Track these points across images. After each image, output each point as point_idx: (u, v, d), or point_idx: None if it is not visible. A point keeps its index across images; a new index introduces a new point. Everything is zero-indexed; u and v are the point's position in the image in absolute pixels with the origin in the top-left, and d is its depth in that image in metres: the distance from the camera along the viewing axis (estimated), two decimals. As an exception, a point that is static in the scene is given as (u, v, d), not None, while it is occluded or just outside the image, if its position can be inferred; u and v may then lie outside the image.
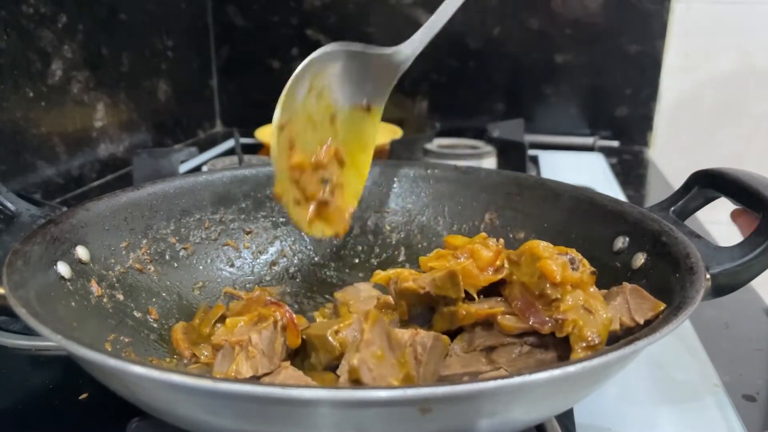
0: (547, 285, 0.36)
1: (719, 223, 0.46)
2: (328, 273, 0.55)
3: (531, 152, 1.00)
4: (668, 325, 0.30)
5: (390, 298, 0.43)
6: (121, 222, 0.46)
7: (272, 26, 1.17)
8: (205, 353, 0.43)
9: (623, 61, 1.09)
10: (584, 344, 0.34)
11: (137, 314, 0.44)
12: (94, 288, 0.41)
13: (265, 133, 1.04)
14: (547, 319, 0.36)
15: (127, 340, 0.41)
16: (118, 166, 0.92)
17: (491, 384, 0.26)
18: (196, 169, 0.90)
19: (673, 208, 0.45)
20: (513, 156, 0.90)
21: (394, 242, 0.56)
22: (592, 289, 0.37)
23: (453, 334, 0.39)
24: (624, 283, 0.38)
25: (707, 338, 0.50)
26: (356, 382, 0.30)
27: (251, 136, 1.04)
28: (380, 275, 0.43)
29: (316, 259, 0.56)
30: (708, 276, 0.36)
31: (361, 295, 0.48)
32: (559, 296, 0.35)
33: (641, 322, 0.36)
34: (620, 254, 0.44)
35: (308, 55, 0.45)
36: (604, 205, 0.47)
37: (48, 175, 0.78)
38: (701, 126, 1.11)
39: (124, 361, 0.27)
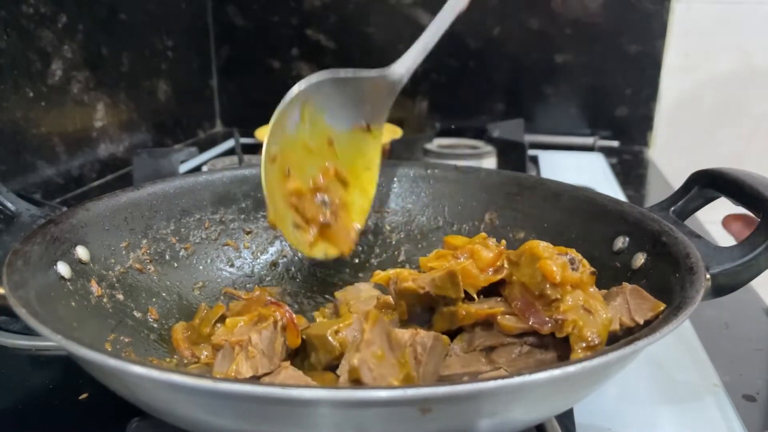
0: (547, 285, 0.36)
1: (719, 223, 0.46)
2: (328, 273, 0.55)
3: (531, 152, 1.00)
4: (668, 325, 0.30)
5: (390, 298, 0.43)
6: (121, 222, 0.46)
7: (272, 26, 1.17)
8: (205, 353, 0.43)
9: (623, 61, 1.09)
10: (584, 344, 0.34)
11: (137, 314, 0.44)
12: (94, 288, 0.41)
13: (264, 133, 1.03)
14: (546, 319, 0.36)
15: (127, 340, 0.41)
16: (118, 166, 0.92)
17: (491, 384, 0.26)
18: (196, 169, 0.90)
19: (673, 208, 0.45)
20: (513, 156, 0.90)
21: (394, 242, 0.56)
22: (592, 290, 0.37)
23: (453, 334, 0.39)
24: (624, 283, 0.38)
25: (707, 338, 0.50)
26: (356, 382, 0.30)
27: (251, 136, 1.04)
28: (380, 275, 0.43)
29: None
30: (708, 276, 0.36)
31: (361, 295, 0.48)
32: (559, 296, 0.35)
33: (641, 322, 0.36)
34: (620, 254, 0.44)
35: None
36: (604, 205, 0.47)
37: (48, 175, 0.78)
38: (701, 126, 1.11)
39: (124, 361, 0.27)
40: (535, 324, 0.36)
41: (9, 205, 0.42)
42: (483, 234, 0.43)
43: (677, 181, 0.49)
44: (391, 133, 1.02)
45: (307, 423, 0.27)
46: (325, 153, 0.50)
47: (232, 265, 0.53)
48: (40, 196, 0.76)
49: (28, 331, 0.48)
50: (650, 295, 0.37)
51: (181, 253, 0.50)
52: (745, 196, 0.41)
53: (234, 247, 0.53)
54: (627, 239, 0.44)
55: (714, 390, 0.44)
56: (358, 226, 0.52)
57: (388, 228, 0.57)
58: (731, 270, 0.37)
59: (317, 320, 0.48)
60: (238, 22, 1.18)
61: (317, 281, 0.54)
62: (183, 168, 0.84)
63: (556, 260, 0.36)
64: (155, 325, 0.44)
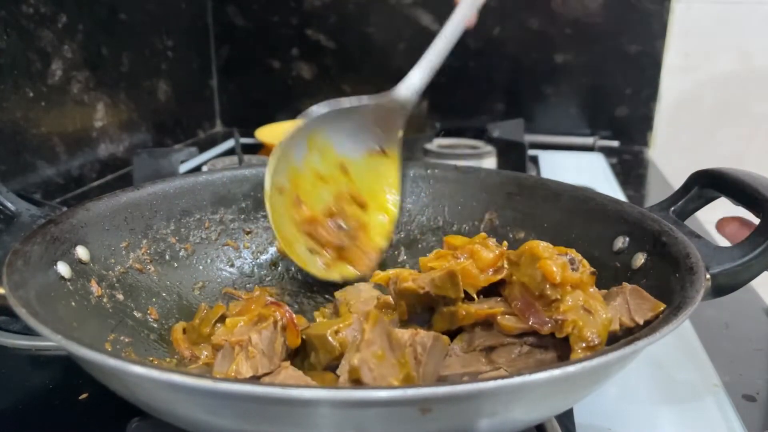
0: (547, 285, 0.36)
1: (719, 223, 0.47)
2: (328, 273, 0.55)
3: (531, 152, 1.00)
4: (668, 325, 0.30)
5: (390, 298, 0.43)
6: (121, 222, 0.46)
7: (272, 26, 1.16)
8: (205, 353, 0.43)
9: (623, 61, 1.09)
10: (584, 344, 0.34)
11: (137, 314, 0.44)
12: (94, 288, 0.41)
13: (264, 133, 1.04)
14: (546, 319, 0.36)
15: (127, 340, 0.41)
16: (118, 166, 0.92)
17: (491, 384, 0.26)
18: (196, 169, 0.90)
19: (673, 208, 0.45)
20: (513, 156, 0.90)
21: (394, 242, 0.56)
22: (591, 290, 0.37)
23: (453, 334, 0.39)
24: (624, 283, 0.38)
25: (707, 338, 0.50)
26: (356, 382, 0.30)
27: (251, 135, 1.04)
28: (380, 275, 0.43)
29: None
30: (708, 276, 0.36)
31: (361, 295, 0.48)
32: (558, 297, 0.35)
33: (641, 322, 0.36)
34: (620, 254, 0.44)
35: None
36: (604, 205, 0.47)
37: (48, 175, 0.78)
38: (701, 126, 1.11)
39: (124, 361, 0.27)
40: (535, 324, 0.36)
41: (9, 205, 0.42)
42: (483, 234, 0.43)
43: (677, 181, 0.49)
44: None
45: (307, 423, 0.27)
46: (339, 179, 0.50)
47: (232, 265, 0.53)
48: (40, 196, 0.76)
49: (28, 331, 0.48)
50: (650, 295, 0.37)
51: (181, 253, 0.50)
52: (745, 196, 0.41)
53: (234, 247, 0.53)
54: (627, 239, 0.44)
55: (714, 390, 0.44)
56: (381, 246, 0.51)
57: (388, 228, 0.57)
58: (731, 270, 0.37)
59: (317, 320, 0.48)
60: (238, 22, 1.18)
61: (317, 281, 0.54)
62: (183, 168, 0.84)
63: (556, 260, 0.36)
64: (155, 325, 0.44)
